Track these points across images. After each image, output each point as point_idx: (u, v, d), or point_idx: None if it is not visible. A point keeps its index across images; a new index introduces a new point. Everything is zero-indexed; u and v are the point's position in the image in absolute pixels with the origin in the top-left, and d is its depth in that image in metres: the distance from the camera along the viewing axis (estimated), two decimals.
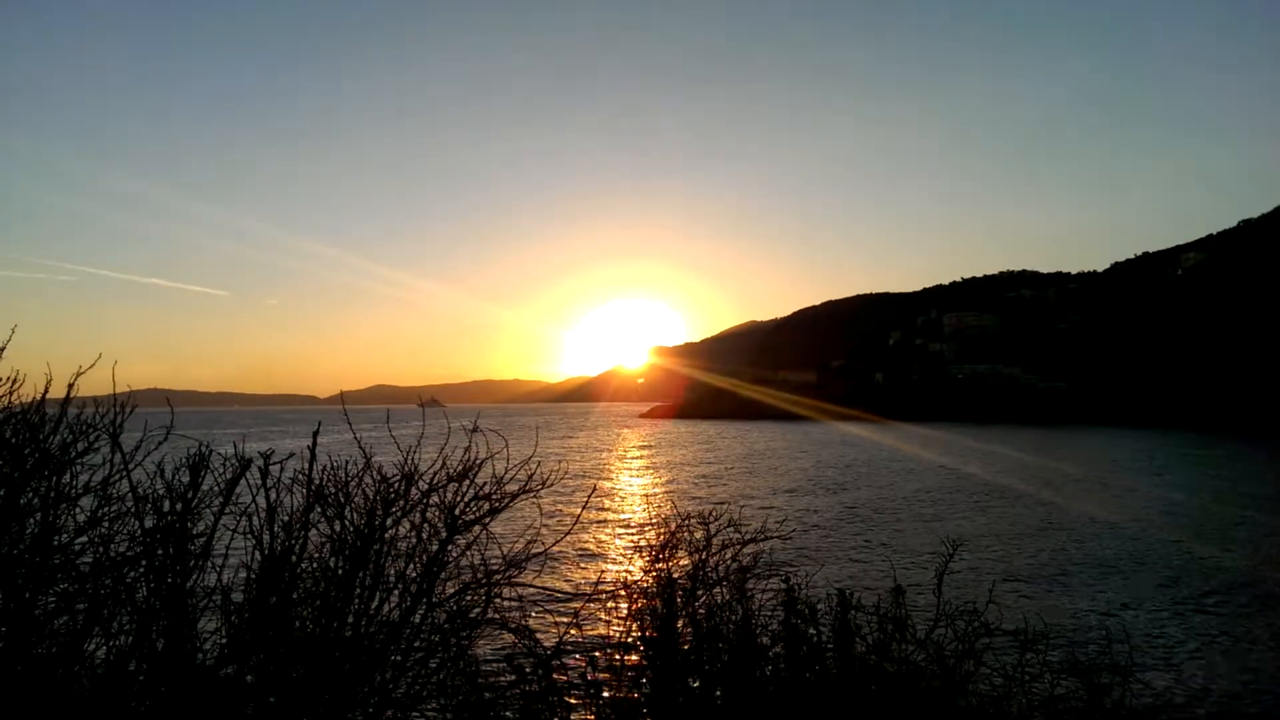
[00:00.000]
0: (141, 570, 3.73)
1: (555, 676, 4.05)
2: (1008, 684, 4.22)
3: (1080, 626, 16.96)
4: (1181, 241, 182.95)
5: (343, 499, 3.96)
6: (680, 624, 4.43)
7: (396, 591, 3.88)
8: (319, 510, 3.94)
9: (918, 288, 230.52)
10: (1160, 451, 72.94)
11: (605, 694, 4.22)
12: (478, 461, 4.12)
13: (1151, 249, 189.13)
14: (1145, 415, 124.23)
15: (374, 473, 4.03)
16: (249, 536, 3.82)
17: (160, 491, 3.85)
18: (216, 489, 3.90)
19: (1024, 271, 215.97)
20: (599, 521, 31.48)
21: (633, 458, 74.39)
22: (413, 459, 4.01)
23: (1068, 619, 17.84)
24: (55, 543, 3.78)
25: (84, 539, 3.83)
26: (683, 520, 4.70)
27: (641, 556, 4.65)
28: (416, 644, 3.83)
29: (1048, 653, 4.25)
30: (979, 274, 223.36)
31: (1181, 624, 17.84)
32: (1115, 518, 33.35)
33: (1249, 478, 50.79)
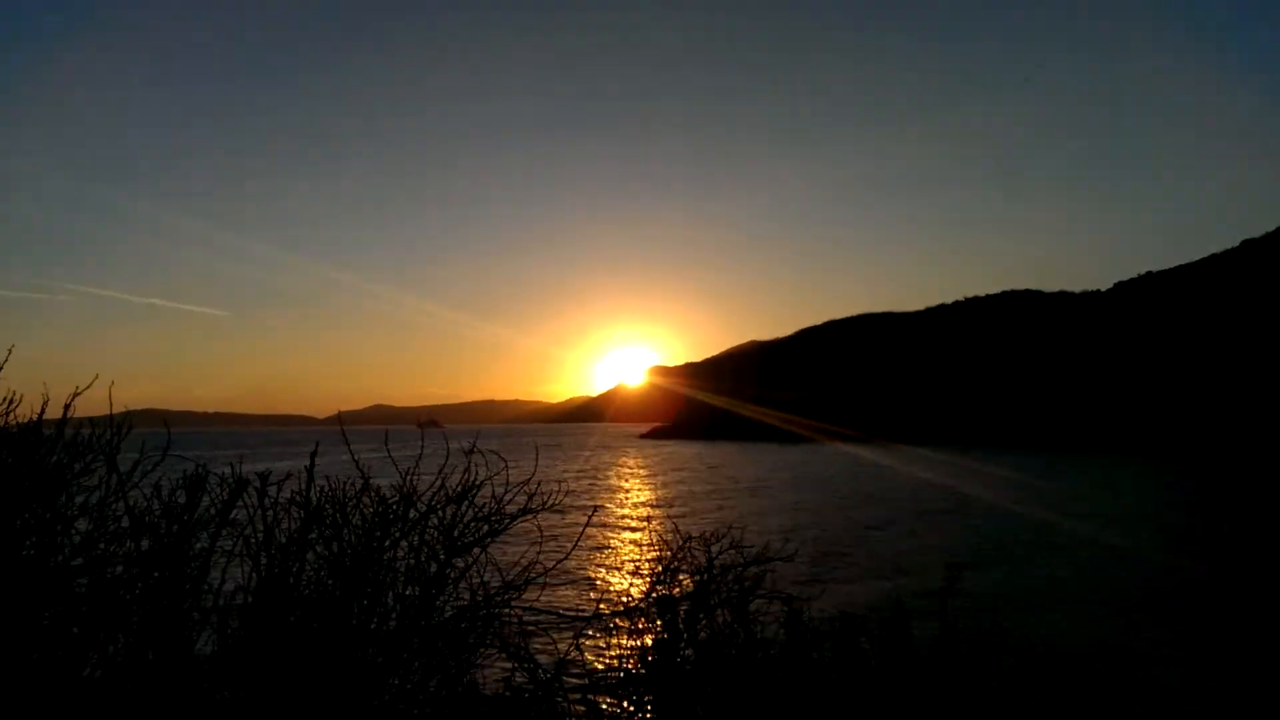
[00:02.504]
0: (138, 592, 3.70)
1: (555, 700, 4.00)
2: (1012, 706, 4.17)
3: (1085, 647, 16.80)
4: (1184, 261, 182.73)
5: (340, 520, 3.92)
6: (681, 646, 4.38)
7: (395, 613, 3.84)
8: (316, 531, 3.90)
9: (920, 307, 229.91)
10: (1165, 478, 72.62)
11: (606, 717, 4.16)
12: (477, 482, 4.09)
13: (1155, 269, 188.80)
14: (1145, 441, 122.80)
15: (372, 494, 4.00)
16: (246, 558, 3.79)
17: (157, 513, 3.82)
18: (213, 510, 3.87)
19: (1027, 290, 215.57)
20: (599, 543, 31.31)
21: (634, 478, 74.17)
22: (411, 480, 3.98)
23: (1074, 640, 17.69)
24: (51, 564, 3.75)
25: (80, 560, 3.80)
26: (684, 541, 4.66)
27: (642, 578, 4.61)
28: (415, 666, 3.79)
29: (1054, 674, 4.20)
30: (981, 293, 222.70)
31: (1178, 639, 17.70)
32: (1117, 541, 33.16)
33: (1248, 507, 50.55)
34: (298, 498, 3.95)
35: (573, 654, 4.10)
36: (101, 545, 3.81)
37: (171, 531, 3.76)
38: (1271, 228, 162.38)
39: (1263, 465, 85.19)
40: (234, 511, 3.86)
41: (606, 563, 26.67)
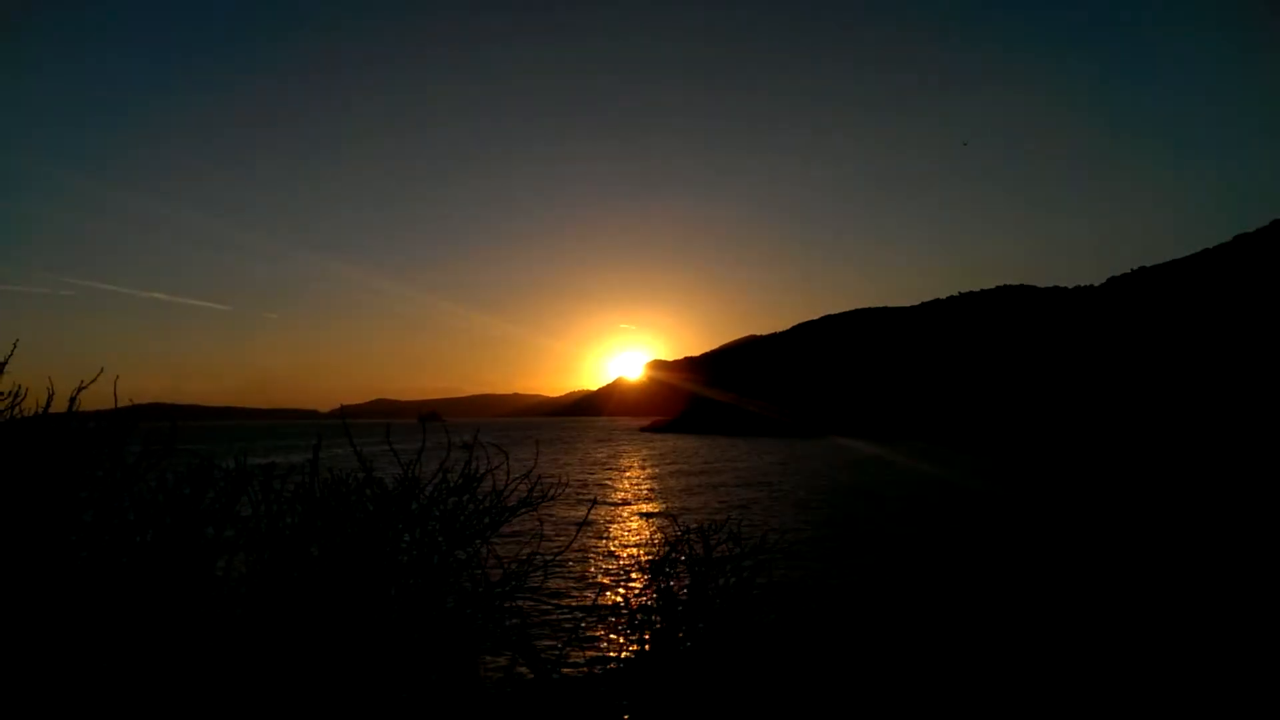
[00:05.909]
0: (143, 584, 3.74)
1: (556, 690, 4.05)
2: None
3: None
4: (1177, 256, 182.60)
5: (343, 513, 3.97)
6: (681, 638, 4.43)
7: (397, 605, 3.88)
8: (320, 524, 3.95)
9: (915, 302, 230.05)
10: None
11: (606, 709, 4.21)
12: (478, 475, 4.14)
13: (1148, 263, 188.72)
14: (1141, 438, 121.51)
15: (374, 487, 4.05)
16: (250, 551, 3.83)
17: (162, 505, 3.86)
18: (218, 503, 3.91)
19: (1021, 285, 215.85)
20: (599, 535, 31.36)
21: (633, 471, 74.14)
22: (413, 473, 4.03)
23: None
24: (58, 556, 3.79)
25: (86, 553, 3.84)
26: (682, 534, 4.71)
27: (641, 570, 4.66)
28: (417, 657, 3.84)
29: None
30: (976, 288, 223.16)
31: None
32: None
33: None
34: (301, 491, 3.99)
35: (574, 644, 4.15)
36: (107, 537, 3.86)
37: (176, 524, 3.80)
38: (1266, 222, 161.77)
39: (1265, 459, 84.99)
40: (238, 504, 3.90)
41: (606, 555, 26.71)
